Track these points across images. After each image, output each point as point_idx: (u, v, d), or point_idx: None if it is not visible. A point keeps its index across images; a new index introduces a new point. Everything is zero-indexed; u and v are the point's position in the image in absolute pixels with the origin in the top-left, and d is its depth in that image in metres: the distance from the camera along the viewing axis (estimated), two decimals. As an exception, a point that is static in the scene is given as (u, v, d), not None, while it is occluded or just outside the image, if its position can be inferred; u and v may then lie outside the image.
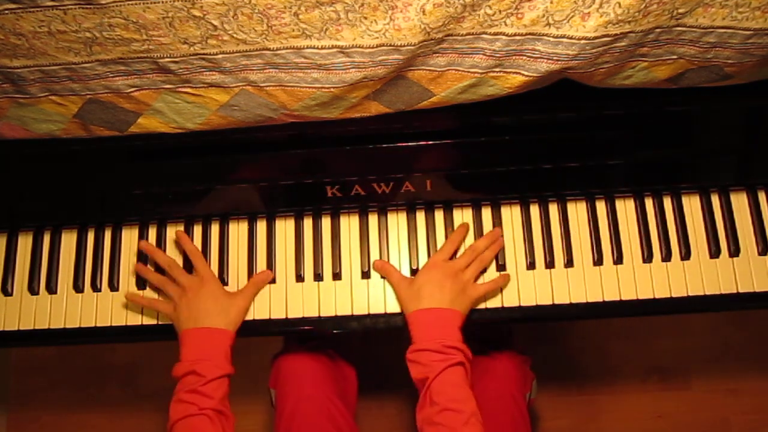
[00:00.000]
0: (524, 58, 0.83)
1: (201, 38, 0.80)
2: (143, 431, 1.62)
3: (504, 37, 0.80)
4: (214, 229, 1.05)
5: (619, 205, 1.03)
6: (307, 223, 1.04)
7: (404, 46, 0.79)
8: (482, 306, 0.99)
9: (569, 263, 1.01)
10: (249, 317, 1.00)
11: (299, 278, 1.02)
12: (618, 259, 1.01)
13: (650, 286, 0.99)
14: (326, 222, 1.04)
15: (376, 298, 1.01)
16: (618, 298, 0.99)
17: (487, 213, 1.03)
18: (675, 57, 0.86)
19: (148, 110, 0.92)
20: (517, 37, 0.80)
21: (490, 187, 1.02)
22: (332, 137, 0.98)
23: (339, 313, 1.00)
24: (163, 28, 0.79)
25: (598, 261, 1.01)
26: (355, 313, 1.00)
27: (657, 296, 0.99)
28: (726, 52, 0.83)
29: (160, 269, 1.02)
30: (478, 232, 1.03)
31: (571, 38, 0.78)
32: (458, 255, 1.01)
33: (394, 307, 1.00)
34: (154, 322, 1.01)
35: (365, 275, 1.02)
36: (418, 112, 0.94)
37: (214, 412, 0.87)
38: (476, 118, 0.97)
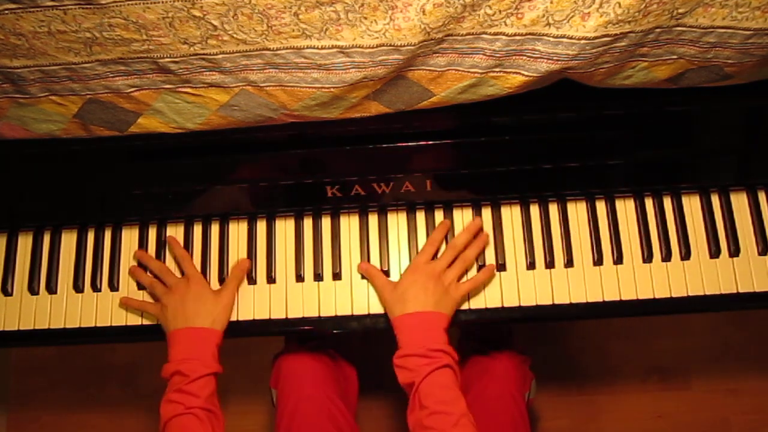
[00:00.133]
0: (524, 58, 0.83)
1: (201, 38, 0.80)
2: (143, 431, 1.62)
3: (504, 37, 0.80)
4: (214, 229, 1.05)
5: (619, 205, 1.03)
6: (307, 223, 1.04)
7: (404, 46, 0.79)
8: (482, 306, 0.99)
9: (569, 263, 1.01)
10: (249, 317, 1.00)
11: (299, 278, 1.02)
12: (618, 259, 1.01)
13: (650, 286, 0.99)
14: (326, 222, 1.04)
15: (376, 298, 1.00)
16: (618, 298, 0.99)
17: (487, 213, 1.03)
18: (675, 57, 0.86)
19: (148, 110, 0.92)
20: (517, 37, 0.80)
21: (490, 187, 1.02)
22: (332, 137, 0.98)
23: (339, 313, 1.00)
24: (163, 28, 0.79)
25: (598, 261, 1.01)
26: (355, 313, 1.00)
27: (657, 296, 0.99)
28: (726, 52, 0.83)
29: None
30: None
31: (571, 38, 0.78)
32: (440, 254, 1.00)
33: (394, 307, 1.00)
34: (153, 322, 1.01)
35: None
36: (418, 112, 0.94)
37: (202, 411, 0.87)
38: (476, 118, 0.97)
